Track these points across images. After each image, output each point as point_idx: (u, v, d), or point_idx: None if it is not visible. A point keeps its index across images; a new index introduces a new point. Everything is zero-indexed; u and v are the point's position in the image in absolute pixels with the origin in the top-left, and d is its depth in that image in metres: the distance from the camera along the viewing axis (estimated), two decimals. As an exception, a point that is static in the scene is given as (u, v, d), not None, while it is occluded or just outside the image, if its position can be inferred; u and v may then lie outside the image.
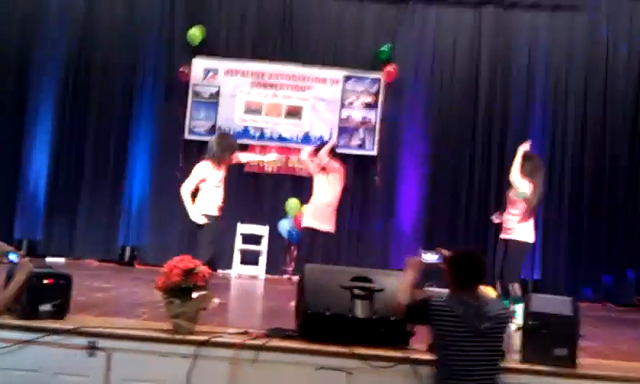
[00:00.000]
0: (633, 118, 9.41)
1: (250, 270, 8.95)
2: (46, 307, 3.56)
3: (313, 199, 6.62)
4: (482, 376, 3.08)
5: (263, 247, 9.09)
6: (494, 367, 3.16)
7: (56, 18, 9.46)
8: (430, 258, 3.40)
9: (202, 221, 5.82)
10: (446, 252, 3.39)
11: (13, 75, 9.46)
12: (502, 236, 5.87)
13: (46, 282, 3.58)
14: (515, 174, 5.80)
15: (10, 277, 3.44)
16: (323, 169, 6.50)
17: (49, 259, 8.83)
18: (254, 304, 6.48)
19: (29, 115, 9.33)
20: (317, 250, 6.47)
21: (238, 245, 8.96)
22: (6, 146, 9.27)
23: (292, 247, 9.26)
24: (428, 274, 8.92)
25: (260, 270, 9.01)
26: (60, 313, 3.63)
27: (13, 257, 3.00)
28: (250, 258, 9.03)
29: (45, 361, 3.43)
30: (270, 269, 9.18)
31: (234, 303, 5.78)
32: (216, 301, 5.60)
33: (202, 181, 5.99)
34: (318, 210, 6.47)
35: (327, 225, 6.45)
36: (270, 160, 7.76)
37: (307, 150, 6.85)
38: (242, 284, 8.17)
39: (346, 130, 9.51)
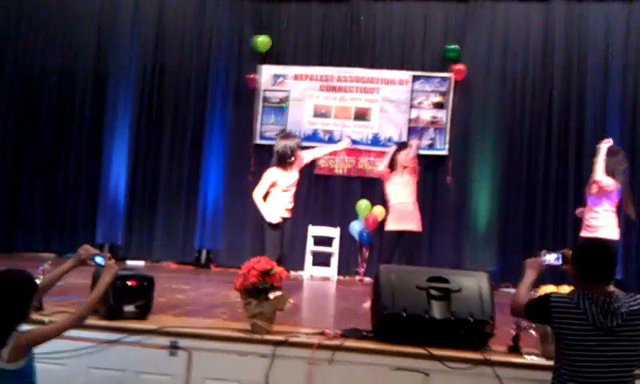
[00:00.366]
0: None
1: (321, 271, 9.00)
2: (129, 308, 3.70)
3: (393, 203, 6.44)
4: (612, 381, 2.69)
5: (335, 249, 9.13)
6: (629, 372, 2.71)
7: (129, 33, 9.84)
8: (551, 258, 3.19)
9: (276, 220, 5.84)
10: (568, 252, 3.12)
11: (90, 90, 9.91)
12: (585, 234, 5.65)
13: (129, 283, 3.71)
14: (600, 173, 5.57)
15: (95, 279, 3.59)
16: (404, 168, 6.42)
17: (129, 262, 9.20)
18: (328, 305, 6.50)
19: (107, 127, 9.72)
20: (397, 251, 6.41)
21: (310, 246, 9.04)
22: (87, 157, 9.74)
23: (363, 248, 9.26)
24: (504, 275, 8.86)
25: (332, 271, 9.05)
26: (143, 313, 3.75)
27: (99, 259, 3.12)
28: (321, 260, 9.09)
29: (129, 360, 3.55)
30: (342, 270, 9.22)
31: (307, 304, 5.81)
32: (290, 301, 5.70)
33: (273, 185, 6.02)
34: (405, 211, 6.34)
35: (414, 224, 6.34)
36: (341, 148, 7.40)
37: (384, 163, 6.64)
38: (315, 285, 8.22)
39: (415, 130, 9.42)
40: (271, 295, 3.55)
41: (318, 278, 8.92)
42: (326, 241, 9.11)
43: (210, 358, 3.51)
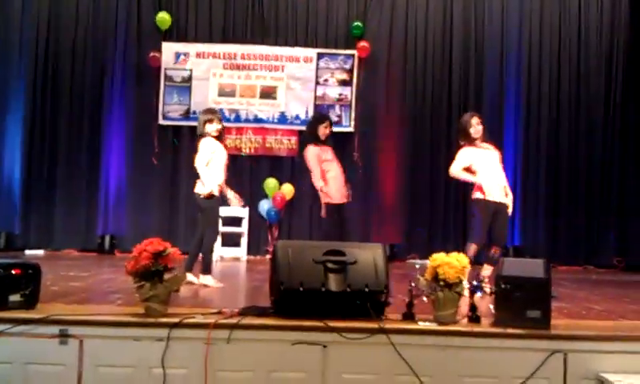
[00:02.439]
0: (606, 78, 9.49)
1: (231, 251, 8.93)
2: (15, 297, 3.52)
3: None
4: None
5: (244, 229, 9.07)
6: None
7: (21, 6, 9.29)
8: None
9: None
10: None
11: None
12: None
13: (14, 272, 3.53)
14: None
15: None
16: None
17: (28, 252, 8.79)
18: (236, 285, 6.46)
19: (-2, 108, 9.19)
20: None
21: (219, 227, 8.90)
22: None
23: (273, 227, 9.26)
24: (411, 247, 9.13)
25: (242, 251, 9.01)
26: (30, 303, 3.58)
27: None
28: (231, 241, 9.01)
29: (16, 352, 3.39)
30: (252, 250, 9.19)
31: (215, 285, 5.73)
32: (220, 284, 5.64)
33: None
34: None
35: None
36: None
37: None
38: (224, 266, 8.14)
39: (322, 107, 9.46)
40: (166, 277, 3.47)
41: (228, 258, 8.84)
42: (236, 221, 9.02)
43: (102, 344, 3.40)
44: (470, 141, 5.80)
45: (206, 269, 5.70)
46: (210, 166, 5.72)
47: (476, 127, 5.79)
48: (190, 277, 5.61)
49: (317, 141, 6.87)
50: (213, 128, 5.79)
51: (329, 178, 6.86)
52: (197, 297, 4.88)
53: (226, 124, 9.01)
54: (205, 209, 5.76)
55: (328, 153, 6.98)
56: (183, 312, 3.60)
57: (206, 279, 5.64)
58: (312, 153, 6.84)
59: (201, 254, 5.77)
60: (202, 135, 5.81)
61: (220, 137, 5.85)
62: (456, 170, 5.83)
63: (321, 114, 8.63)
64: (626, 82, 9.45)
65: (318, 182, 6.80)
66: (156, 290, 3.42)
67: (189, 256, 5.71)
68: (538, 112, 9.48)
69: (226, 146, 6.11)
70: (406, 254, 9.14)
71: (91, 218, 9.21)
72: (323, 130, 6.84)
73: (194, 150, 5.89)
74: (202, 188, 5.72)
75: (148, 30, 9.41)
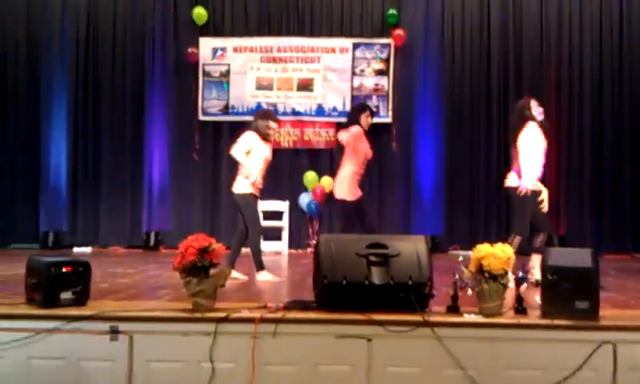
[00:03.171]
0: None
1: (273, 246, 8.98)
2: (66, 295, 3.61)
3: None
4: None
5: (284, 223, 9.13)
6: None
7: (60, 5, 9.50)
8: None
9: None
10: None
11: (22, 67, 9.57)
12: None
13: (64, 269, 3.63)
14: None
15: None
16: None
17: (76, 249, 9.03)
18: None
19: (43, 109, 9.42)
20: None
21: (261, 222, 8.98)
22: (23, 142, 9.41)
23: (313, 220, 9.29)
24: (452, 238, 9.04)
25: (283, 245, 9.07)
26: (81, 300, 3.67)
27: None
28: (272, 235, 9.04)
29: (68, 348, 3.48)
30: (293, 244, 9.24)
31: (246, 281, 5.78)
32: (244, 277, 5.68)
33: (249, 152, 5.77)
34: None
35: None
36: None
37: None
38: (266, 261, 8.15)
39: (359, 98, 9.44)
40: (211, 272, 3.52)
41: (269, 253, 8.85)
42: (276, 215, 9.08)
43: (151, 340, 3.47)
44: (538, 123, 5.41)
45: (259, 265, 5.71)
46: (250, 161, 5.71)
47: (537, 109, 5.45)
48: (233, 273, 5.67)
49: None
50: (269, 133, 5.83)
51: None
52: (242, 291, 4.93)
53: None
54: (242, 206, 5.76)
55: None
56: (230, 307, 3.65)
57: (262, 275, 5.65)
58: (359, 133, 6.34)
59: (251, 253, 5.78)
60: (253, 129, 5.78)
61: (266, 137, 5.85)
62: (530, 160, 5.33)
63: (362, 103, 8.27)
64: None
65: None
66: (203, 285, 3.47)
67: (230, 252, 5.77)
68: (580, 100, 9.29)
69: (270, 144, 5.98)
70: (447, 244, 9.07)
71: (136, 214, 9.39)
72: (365, 120, 6.38)
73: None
74: (238, 186, 5.75)
75: (185, 26, 9.53)
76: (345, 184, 6.24)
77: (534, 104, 5.46)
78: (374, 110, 9.20)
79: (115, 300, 4.15)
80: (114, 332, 3.47)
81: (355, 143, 6.31)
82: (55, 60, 9.48)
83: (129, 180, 9.45)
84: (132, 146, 9.46)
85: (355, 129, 6.34)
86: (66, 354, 3.49)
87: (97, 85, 9.54)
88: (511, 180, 5.49)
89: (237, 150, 5.75)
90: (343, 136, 6.49)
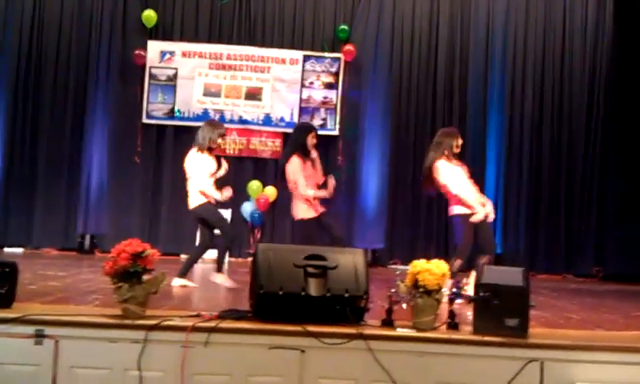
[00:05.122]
0: (590, 84, 9.62)
1: (212, 253, 8.81)
2: (-10, 296, 3.46)
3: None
4: None
5: (226, 231, 9.00)
6: None
7: (4, 2, 9.19)
8: None
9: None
10: None
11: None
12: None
13: (-11, 270, 3.47)
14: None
15: None
16: None
17: (6, 250, 8.69)
18: (214, 288, 6.41)
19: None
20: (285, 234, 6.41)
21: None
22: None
23: (255, 229, 9.23)
24: (392, 252, 9.14)
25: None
26: (6, 302, 3.51)
27: None
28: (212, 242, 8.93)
29: (-10, 351, 3.33)
30: (234, 252, 9.13)
31: (194, 288, 5.71)
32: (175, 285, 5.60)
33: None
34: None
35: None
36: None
37: None
38: (204, 269, 8.08)
39: (307, 110, 9.48)
40: (144, 278, 3.44)
41: (208, 260, 8.74)
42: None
43: (78, 345, 3.35)
44: (447, 156, 5.71)
45: (220, 268, 5.87)
46: (205, 180, 5.79)
47: (458, 144, 5.76)
48: (183, 281, 5.61)
49: (303, 151, 6.12)
50: (216, 144, 5.89)
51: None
52: (176, 299, 4.85)
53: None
54: (206, 216, 5.84)
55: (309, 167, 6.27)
56: (161, 314, 3.56)
57: (220, 278, 5.76)
58: (296, 164, 6.09)
59: (216, 254, 6.00)
60: (197, 145, 5.80)
61: (211, 148, 5.90)
62: (460, 188, 5.62)
63: (307, 124, 8.11)
64: (609, 95, 9.59)
65: (307, 191, 6.05)
66: (134, 292, 3.38)
67: (187, 260, 5.76)
68: (520, 122, 9.58)
69: (217, 151, 6.12)
70: (388, 259, 9.16)
71: (71, 217, 9.14)
72: (311, 140, 6.15)
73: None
74: (193, 200, 5.77)
75: (134, 28, 9.38)
76: (300, 204, 6.07)
77: (459, 141, 5.69)
78: (321, 122, 9.31)
79: (43, 303, 4.01)
80: (39, 336, 3.34)
81: (296, 177, 6.05)
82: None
83: (65, 181, 9.19)
84: (71, 146, 9.21)
85: (294, 163, 6.04)
86: (-14, 357, 3.33)
87: (38, 82, 9.27)
88: (455, 209, 5.61)
89: (191, 173, 5.82)
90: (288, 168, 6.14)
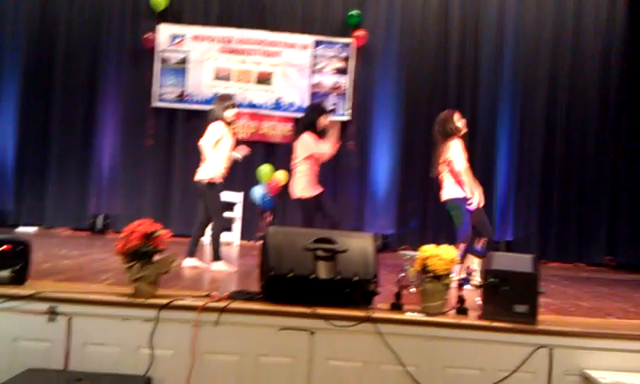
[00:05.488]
0: (602, 78, 9.52)
1: (224, 236, 8.86)
2: (4, 273, 3.50)
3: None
4: None
5: (237, 213, 9.07)
6: None
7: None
8: None
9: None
10: None
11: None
12: None
13: (3, 248, 3.52)
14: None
15: None
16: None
17: (20, 229, 8.77)
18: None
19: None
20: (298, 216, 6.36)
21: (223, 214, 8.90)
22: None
23: (265, 213, 9.26)
24: (403, 238, 9.15)
25: (235, 236, 9.01)
26: (19, 279, 3.57)
27: None
28: (224, 225, 8.96)
29: (4, 327, 3.38)
30: (245, 235, 9.20)
31: (206, 269, 5.76)
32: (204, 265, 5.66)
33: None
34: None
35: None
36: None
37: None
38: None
39: (317, 95, 9.46)
40: (155, 258, 3.47)
41: (221, 243, 8.80)
42: (229, 206, 9.00)
43: (90, 323, 3.40)
44: (459, 134, 5.76)
45: (217, 255, 5.73)
46: (217, 151, 5.71)
47: (461, 121, 5.80)
48: (193, 261, 5.64)
49: (314, 130, 6.17)
50: (231, 113, 5.84)
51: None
52: (187, 280, 4.89)
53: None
54: (206, 195, 5.76)
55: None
56: (173, 294, 3.60)
57: (217, 265, 5.66)
58: (308, 139, 6.13)
59: (211, 241, 5.85)
60: (216, 119, 5.78)
61: (231, 123, 5.88)
62: (464, 169, 5.67)
63: (320, 104, 7.80)
64: (622, 81, 9.50)
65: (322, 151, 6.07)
66: (145, 271, 3.42)
67: (191, 240, 5.76)
68: (532, 107, 9.52)
69: (234, 133, 6.05)
70: (398, 244, 9.17)
71: (84, 197, 9.20)
72: (323, 121, 6.18)
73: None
74: (203, 174, 5.71)
75: (143, 12, 9.37)
76: (301, 182, 6.13)
77: (456, 117, 5.67)
78: (332, 107, 9.29)
79: (56, 281, 4.06)
80: (53, 313, 3.39)
81: (307, 150, 6.09)
82: (7, 39, 9.20)
83: (78, 162, 9.24)
84: (83, 128, 9.26)
85: (304, 138, 6.09)
86: (1, 333, 3.38)
87: (49, 65, 9.29)
88: (448, 192, 5.65)
89: (207, 142, 5.73)
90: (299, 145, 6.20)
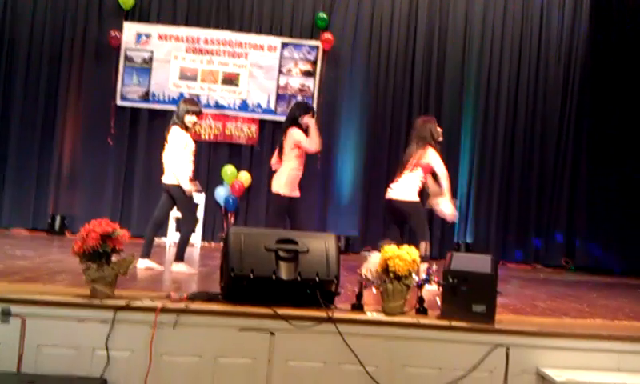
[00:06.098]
0: (564, 79, 9.75)
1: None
2: (-45, 274, 3.42)
3: (298, 168, 6.19)
4: None
5: (199, 215, 8.96)
6: None
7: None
8: None
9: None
10: None
11: None
12: None
13: (-46, 248, 3.43)
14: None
15: None
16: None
17: (-26, 229, 8.55)
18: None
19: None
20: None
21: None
22: None
23: (229, 214, 9.21)
24: (366, 240, 9.18)
25: (196, 237, 8.90)
26: (-28, 280, 3.48)
27: None
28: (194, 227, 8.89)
29: (-46, 329, 3.29)
30: (207, 236, 9.13)
31: (164, 270, 5.68)
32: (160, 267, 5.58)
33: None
34: (298, 178, 6.19)
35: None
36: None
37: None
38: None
39: (284, 97, 9.45)
40: (113, 259, 3.41)
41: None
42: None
43: (45, 324, 3.32)
44: (435, 144, 5.82)
45: (180, 256, 5.66)
46: (181, 159, 5.67)
47: (437, 131, 5.85)
48: (147, 262, 5.55)
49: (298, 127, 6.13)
50: (191, 120, 5.75)
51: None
52: (146, 281, 4.82)
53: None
54: (179, 198, 5.70)
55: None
56: (131, 295, 3.55)
57: (179, 266, 5.60)
58: (296, 132, 6.08)
59: (178, 242, 5.79)
60: (175, 123, 5.73)
61: (188, 128, 5.80)
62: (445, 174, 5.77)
63: (307, 103, 7.85)
64: (582, 86, 9.74)
65: (311, 145, 6.09)
66: (103, 272, 3.36)
67: (145, 241, 5.65)
68: (495, 112, 9.69)
69: (193, 135, 5.96)
70: (361, 246, 9.21)
71: (42, 197, 9.01)
72: (306, 121, 6.12)
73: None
74: (171, 178, 5.66)
75: (110, 9, 9.24)
76: (282, 178, 6.09)
77: (433, 126, 5.77)
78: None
79: (10, 282, 3.96)
80: (6, 314, 3.30)
81: (295, 142, 6.08)
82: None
83: (37, 161, 9.03)
84: (43, 127, 9.05)
85: (293, 131, 6.09)
86: (-50, 335, 3.29)
87: (11, 60, 9.07)
88: (405, 194, 5.74)
89: (173, 152, 5.66)
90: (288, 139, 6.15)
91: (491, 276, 3.58)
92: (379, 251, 5.61)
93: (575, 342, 3.61)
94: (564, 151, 9.68)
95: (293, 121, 6.17)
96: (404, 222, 5.96)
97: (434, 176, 5.82)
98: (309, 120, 6.17)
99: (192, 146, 5.82)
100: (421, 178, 5.80)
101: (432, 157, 5.74)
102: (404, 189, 5.81)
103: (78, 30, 9.13)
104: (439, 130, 5.86)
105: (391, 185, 5.92)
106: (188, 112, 5.74)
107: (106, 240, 3.38)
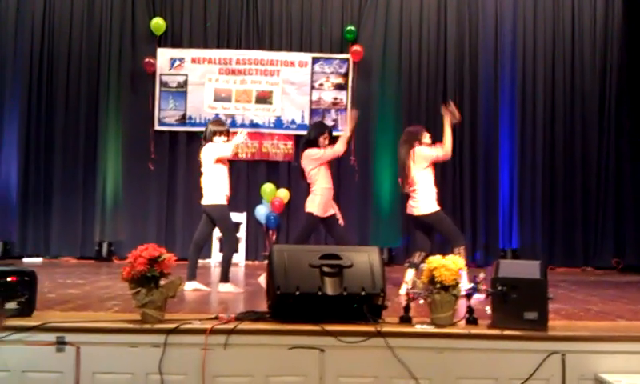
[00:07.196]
0: (601, 81, 9.53)
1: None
2: (11, 305, 3.50)
3: (327, 187, 6.12)
4: None
5: (242, 234, 9.05)
6: None
7: (15, 13, 9.29)
8: None
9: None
10: None
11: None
12: None
13: (9, 279, 3.51)
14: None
15: None
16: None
17: (25, 260, 8.78)
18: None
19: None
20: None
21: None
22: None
23: (270, 232, 9.25)
24: (409, 250, 9.12)
25: (240, 257, 8.98)
26: (26, 310, 3.56)
27: None
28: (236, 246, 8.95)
29: (13, 360, 3.37)
30: (250, 255, 9.18)
31: (211, 291, 5.74)
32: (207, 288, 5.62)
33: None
34: (330, 196, 6.19)
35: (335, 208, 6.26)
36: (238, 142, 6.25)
37: (343, 142, 6.22)
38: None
39: (317, 111, 9.48)
40: (161, 282, 3.46)
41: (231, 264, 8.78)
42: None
43: (99, 351, 3.39)
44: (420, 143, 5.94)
45: (225, 277, 5.73)
46: (217, 173, 5.79)
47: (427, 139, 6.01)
48: (195, 284, 5.62)
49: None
50: (220, 140, 5.87)
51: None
52: (194, 303, 4.87)
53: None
54: (218, 219, 5.80)
55: None
56: (180, 318, 3.59)
57: (225, 287, 5.66)
58: (313, 152, 6.12)
59: (221, 262, 5.90)
60: (206, 139, 5.89)
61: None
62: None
63: (322, 123, 7.94)
64: (620, 83, 9.49)
65: (337, 148, 6.11)
66: (152, 296, 3.41)
67: (189, 263, 5.74)
68: (533, 115, 9.52)
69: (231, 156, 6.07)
70: (404, 258, 9.12)
71: (88, 225, 9.19)
72: (323, 141, 6.16)
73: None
74: (210, 199, 5.75)
75: (143, 36, 9.43)
76: (316, 199, 6.06)
77: (425, 134, 6.01)
78: (332, 123, 9.28)
79: (63, 311, 4.05)
80: (61, 343, 3.38)
81: (314, 161, 6.11)
82: (8, 64, 9.25)
83: (82, 189, 9.22)
84: (85, 156, 9.26)
85: (310, 152, 6.13)
86: (10, 365, 3.38)
87: (50, 93, 9.32)
88: (423, 207, 5.80)
89: (207, 162, 5.81)
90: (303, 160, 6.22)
91: (541, 281, 3.52)
92: (411, 267, 5.69)
93: (633, 345, 3.50)
94: (606, 151, 9.42)
95: (307, 143, 6.21)
96: (431, 231, 5.98)
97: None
98: (324, 141, 6.13)
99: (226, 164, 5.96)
100: (430, 176, 5.88)
101: (423, 151, 5.84)
102: (421, 202, 5.84)
103: (112, 59, 9.32)
104: (426, 133, 6.01)
105: (409, 201, 5.95)
106: (215, 133, 5.86)
107: (154, 264, 3.43)
